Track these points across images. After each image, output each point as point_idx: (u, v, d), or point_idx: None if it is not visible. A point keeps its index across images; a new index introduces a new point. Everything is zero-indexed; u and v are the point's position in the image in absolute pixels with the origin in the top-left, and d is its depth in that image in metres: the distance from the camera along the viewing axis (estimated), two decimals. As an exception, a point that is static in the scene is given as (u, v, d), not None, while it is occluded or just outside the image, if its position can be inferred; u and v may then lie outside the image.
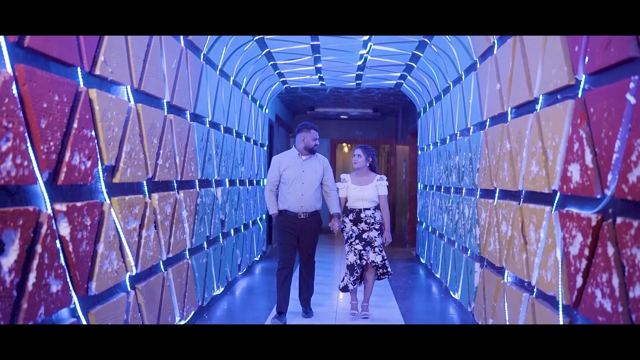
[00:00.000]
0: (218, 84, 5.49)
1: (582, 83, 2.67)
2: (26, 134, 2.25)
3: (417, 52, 6.35)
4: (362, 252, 5.00)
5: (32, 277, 2.28)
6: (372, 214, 5.05)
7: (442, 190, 6.62)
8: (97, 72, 2.87)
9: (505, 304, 3.82)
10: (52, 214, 2.47)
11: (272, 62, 6.98)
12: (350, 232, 5.05)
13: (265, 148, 8.80)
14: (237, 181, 6.64)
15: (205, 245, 5.17)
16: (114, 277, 3.08)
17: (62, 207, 2.54)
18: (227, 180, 6.05)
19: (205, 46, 4.89)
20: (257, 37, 5.82)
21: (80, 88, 2.70)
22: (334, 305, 5.60)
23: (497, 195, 4.17)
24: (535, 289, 3.31)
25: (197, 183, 4.85)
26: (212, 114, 5.27)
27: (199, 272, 4.87)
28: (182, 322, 4.36)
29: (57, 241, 2.50)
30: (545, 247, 3.08)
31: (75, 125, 2.62)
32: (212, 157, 5.29)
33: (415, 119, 9.30)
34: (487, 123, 4.50)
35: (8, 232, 2.12)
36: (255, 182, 7.85)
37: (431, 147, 7.51)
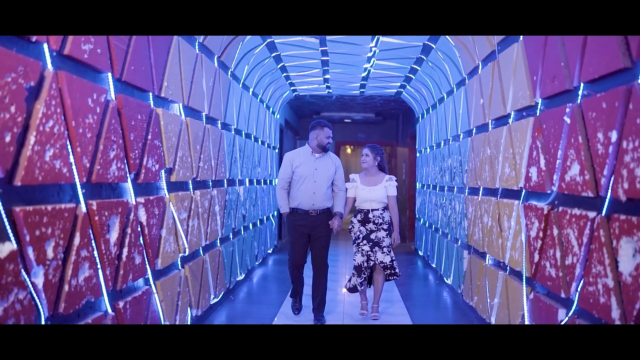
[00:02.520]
0: (241, 96, 6.29)
1: (539, 105, 3.47)
2: (123, 145, 3.05)
3: (415, 66, 7.14)
4: (370, 252, 4.94)
5: (125, 251, 3.08)
6: (381, 214, 5.01)
7: (437, 189, 7.41)
8: (162, 94, 3.67)
9: (487, 282, 4.61)
10: (135, 205, 3.26)
11: (285, 74, 7.78)
12: (358, 233, 5.00)
13: (276, 150, 9.59)
14: (255, 181, 7.43)
15: (231, 236, 5.97)
16: (171, 257, 3.87)
17: (141, 199, 3.33)
18: (247, 180, 6.85)
19: (232, 64, 5.69)
20: (274, 54, 6.61)
21: (152, 108, 3.50)
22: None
23: (480, 192, 4.97)
24: (508, 267, 4.10)
25: (225, 182, 5.65)
26: (236, 122, 6.07)
27: (227, 258, 5.66)
28: (215, 300, 5.15)
29: (138, 226, 3.30)
30: (514, 233, 3.87)
31: (149, 137, 3.42)
32: (237, 160, 6.09)
33: (414, 123, 10.09)
34: (474, 131, 5.29)
35: (113, 217, 2.92)
36: (268, 181, 8.65)
37: (428, 150, 8.30)
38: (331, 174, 4.89)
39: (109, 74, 2.91)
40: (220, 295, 5.37)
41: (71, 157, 2.48)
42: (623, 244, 2.33)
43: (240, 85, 6.31)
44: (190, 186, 4.42)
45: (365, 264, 4.97)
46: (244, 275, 6.59)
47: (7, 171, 2.04)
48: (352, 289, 5.05)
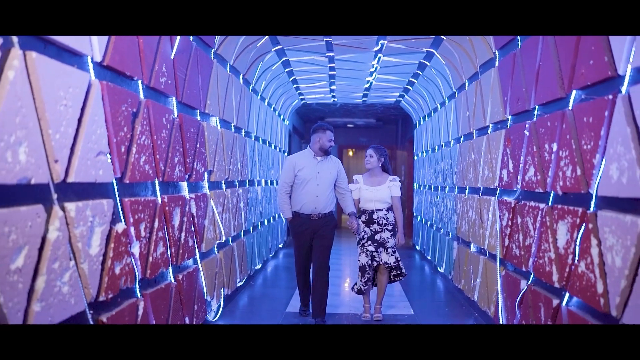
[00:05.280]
0: (259, 107, 7.16)
1: (509, 120, 4.33)
2: (182, 153, 3.91)
3: (412, 79, 8.02)
4: (374, 253, 4.95)
5: (183, 235, 3.95)
6: (385, 215, 5.01)
7: (432, 189, 8.29)
8: (206, 110, 4.54)
9: (471, 267, 5.47)
10: (189, 199, 4.12)
11: (295, 85, 8.66)
12: (363, 234, 5.00)
13: (285, 154, 10.47)
14: (269, 181, 8.31)
15: (251, 230, 6.84)
16: (211, 242, 4.74)
17: (193, 195, 4.19)
18: (263, 181, 7.72)
19: (253, 80, 6.56)
20: (287, 69, 7.48)
21: (199, 122, 4.37)
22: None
23: (467, 191, 5.83)
24: (487, 253, 4.97)
25: (247, 182, 6.52)
26: (256, 130, 6.94)
27: (249, 248, 6.53)
28: (240, 284, 6.02)
29: (191, 216, 4.16)
30: (491, 223, 4.74)
31: (198, 145, 4.29)
32: (256, 163, 6.96)
33: (412, 128, 10.96)
34: (462, 138, 6.16)
35: (176, 208, 3.78)
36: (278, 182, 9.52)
37: (424, 154, 9.17)
38: (333, 177, 4.88)
39: (174, 98, 3.77)
40: (244, 280, 6.23)
41: (154, 162, 3.35)
42: (560, 226, 3.19)
43: (259, 98, 7.18)
44: (223, 185, 5.29)
45: (369, 264, 4.97)
46: (260, 265, 7.45)
47: (122, 172, 2.91)
48: (359, 291, 5.07)
